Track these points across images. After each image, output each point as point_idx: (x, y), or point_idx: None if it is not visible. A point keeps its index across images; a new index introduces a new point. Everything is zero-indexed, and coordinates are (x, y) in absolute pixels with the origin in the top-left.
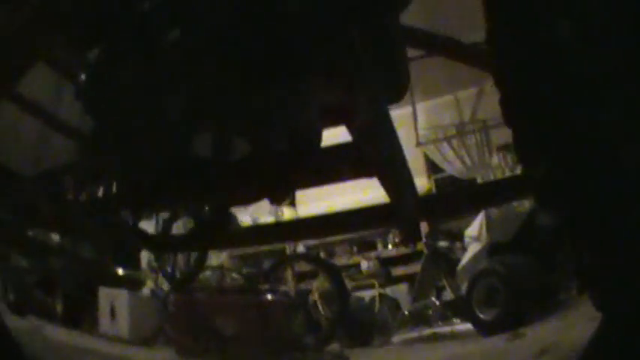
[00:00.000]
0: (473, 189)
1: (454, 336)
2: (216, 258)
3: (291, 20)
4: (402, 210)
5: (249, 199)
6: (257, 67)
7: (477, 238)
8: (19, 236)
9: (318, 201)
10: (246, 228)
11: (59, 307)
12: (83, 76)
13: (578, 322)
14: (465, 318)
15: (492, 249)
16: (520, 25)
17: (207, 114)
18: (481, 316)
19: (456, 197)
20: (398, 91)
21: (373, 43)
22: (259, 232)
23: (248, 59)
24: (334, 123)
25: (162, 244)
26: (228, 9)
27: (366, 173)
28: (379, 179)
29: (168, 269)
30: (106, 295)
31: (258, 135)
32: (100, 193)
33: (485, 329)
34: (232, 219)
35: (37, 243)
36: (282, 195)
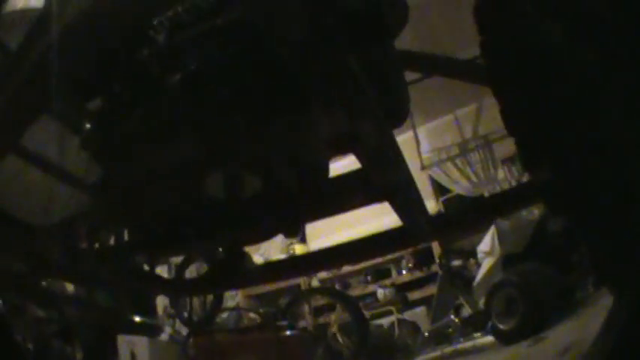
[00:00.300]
0: (481, 202)
1: (476, 350)
2: (232, 299)
3: (289, 54)
4: (415, 231)
5: (262, 236)
6: (259, 103)
7: (490, 253)
8: (33, 287)
9: (328, 235)
10: (261, 266)
11: (79, 356)
12: (88, 126)
13: (596, 318)
14: (485, 331)
15: (506, 261)
16: (512, 33)
17: (215, 154)
18: (501, 326)
19: (466, 212)
20: (399, 116)
21: (372, 69)
22: (274, 269)
23: (250, 96)
24: (341, 152)
25: (178, 288)
26: (226, 48)
27: (377, 199)
28: (390, 203)
29: (186, 314)
30: (125, 342)
31: (267, 171)
32: (113, 240)
33: (506, 339)
34: (246, 258)
35: (52, 293)
36: (296, 228)
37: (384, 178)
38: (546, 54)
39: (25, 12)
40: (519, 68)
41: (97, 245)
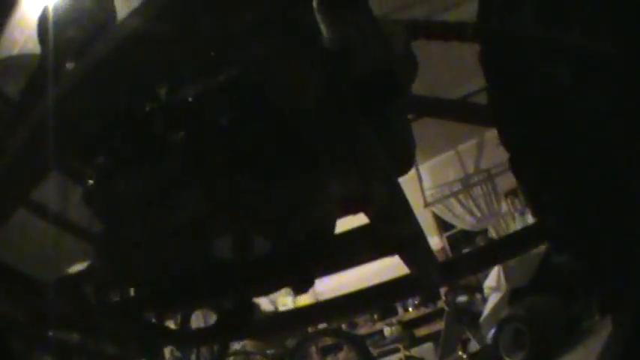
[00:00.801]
0: (489, 247)
1: None
2: (239, 341)
3: (301, 117)
4: (424, 280)
5: (270, 290)
6: (266, 162)
7: (496, 288)
8: (40, 337)
9: (334, 276)
10: (270, 317)
11: None
12: (91, 182)
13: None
14: None
15: (513, 295)
16: (519, 80)
17: (221, 215)
18: None
19: (474, 258)
20: (406, 164)
21: (381, 126)
22: (283, 320)
23: (255, 155)
24: (350, 212)
25: (186, 339)
26: (229, 104)
27: (386, 253)
28: (400, 256)
29: (193, 357)
30: None
31: (276, 232)
32: (120, 296)
33: None
34: (255, 308)
35: (58, 342)
36: (305, 286)
37: (394, 234)
38: (555, 100)
39: (21, 58)
40: (527, 115)
41: (104, 301)
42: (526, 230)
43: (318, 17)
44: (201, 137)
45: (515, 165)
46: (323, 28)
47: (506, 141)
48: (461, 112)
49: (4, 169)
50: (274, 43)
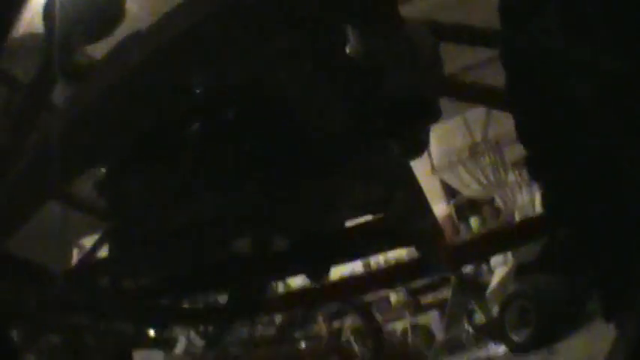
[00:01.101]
0: (499, 233)
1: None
2: None
3: (327, 139)
4: (435, 266)
5: (286, 278)
6: (287, 165)
7: (503, 263)
8: (49, 323)
9: None
10: (282, 295)
11: None
12: (104, 171)
13: (608, 334)
14: (498, 340)
15: (518, 270)
16: (539, 82)
17: (240, 216)
18: (515, 337)
19: (484, 243)
20: (421, 148)
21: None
22: (294, 299)
23: (274, 156)
24: (370, 213)
25: (197, 317)
26: (253, 107)
27: (401, 245)
28: (414, 247)
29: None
30: (141, 358)
31: (295, 231)
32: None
33: (519, 350)
34: (267, 288)
35: (69, 323)
36: (321, 275)
37: (411, 229)
38: (575, 112)
39: (28, 38)
40: (547, 118)
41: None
42: (534, 220)
43: (349, 32)
44: (217, 136)
45: (531, 166)
46: (353, 44)
47: (524, 140)
48: (475, 94)
49: (10, 184)
50: (303, 71)
